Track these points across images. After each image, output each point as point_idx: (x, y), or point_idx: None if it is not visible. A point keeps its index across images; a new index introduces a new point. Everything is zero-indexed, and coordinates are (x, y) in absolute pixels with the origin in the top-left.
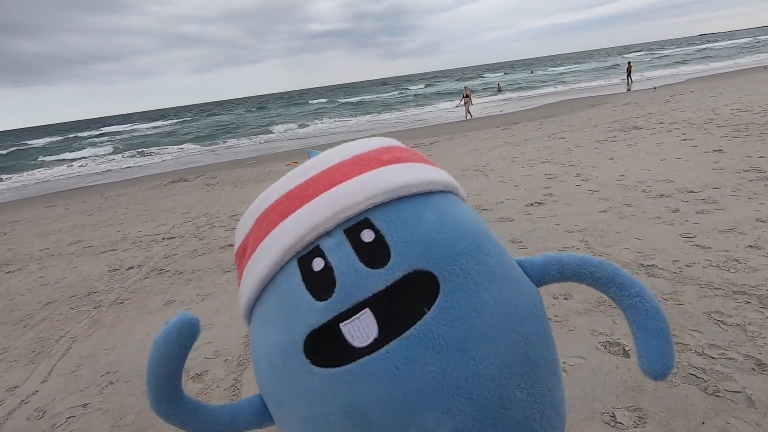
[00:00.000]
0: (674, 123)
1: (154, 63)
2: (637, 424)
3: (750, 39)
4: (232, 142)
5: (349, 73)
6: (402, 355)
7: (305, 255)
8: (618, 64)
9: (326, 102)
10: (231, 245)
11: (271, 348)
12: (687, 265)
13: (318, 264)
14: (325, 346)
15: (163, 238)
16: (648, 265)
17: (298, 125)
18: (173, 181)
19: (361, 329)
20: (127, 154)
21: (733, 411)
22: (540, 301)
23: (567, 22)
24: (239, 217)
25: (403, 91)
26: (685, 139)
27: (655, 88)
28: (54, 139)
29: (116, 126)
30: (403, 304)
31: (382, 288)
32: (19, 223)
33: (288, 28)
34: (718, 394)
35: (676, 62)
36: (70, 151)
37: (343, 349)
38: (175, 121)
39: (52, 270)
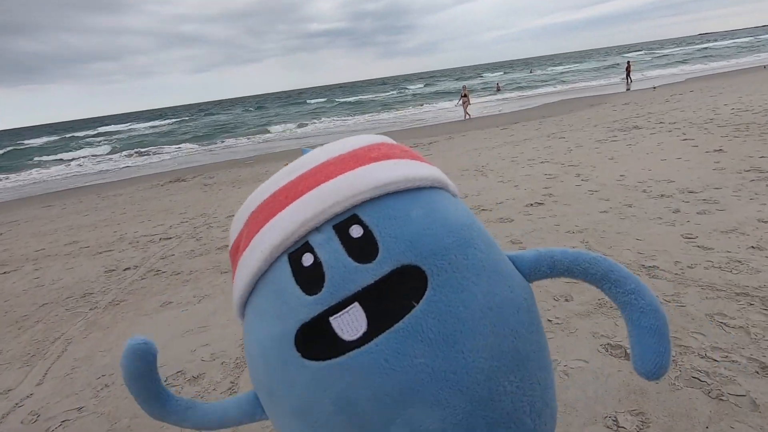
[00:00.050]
0: (674, 123)
1: (153, 62)
2: (640, 429)
3: (750, 38)
4: (230, 141)
5: (348, 73)
6: (391, 348)
7: (295, 250)
8: (617, 64)
9: (325, 101)
10: (228, 245)
11: (264, 341)
12: (689, 267)
13: (308, 259)
14: (316, 340)
15: (160, 239)
16: (650, 267)
17: (297, 125)
18: (171, 181)
19: (350, 323)
20: (124, 153)
21: (737, 415)
22: (531, 295)
23: (566, 22)
24: None
25: (401, 90)
26: (685, 139)
27: (654, 88)
28: (51, 138)
29: (114, 126)
30: (392, 298)
31: (370, 282)
32: (15, 223)
33: (287, 28)
34: (722, 397)
35: (676, 62)
36: (67, 151)
37: (333, 343)
38: (173, 120)
39: (48, 271)
